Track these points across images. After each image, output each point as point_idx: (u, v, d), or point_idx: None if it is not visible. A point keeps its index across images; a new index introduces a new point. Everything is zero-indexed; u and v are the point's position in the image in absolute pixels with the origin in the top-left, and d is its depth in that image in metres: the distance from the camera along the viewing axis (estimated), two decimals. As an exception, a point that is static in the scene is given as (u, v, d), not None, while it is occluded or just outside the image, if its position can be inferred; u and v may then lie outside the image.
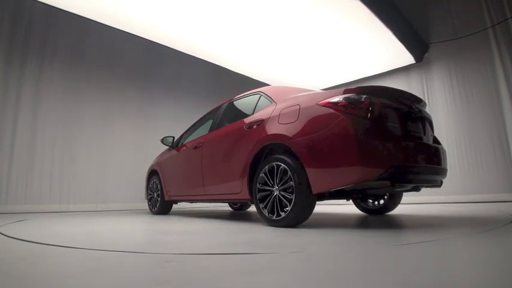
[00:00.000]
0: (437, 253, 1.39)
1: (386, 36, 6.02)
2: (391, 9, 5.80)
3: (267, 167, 2.60)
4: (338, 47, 6.67)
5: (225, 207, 6.39)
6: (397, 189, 2.76)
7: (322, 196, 2.49)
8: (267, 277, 1.01)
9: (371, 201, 3.60)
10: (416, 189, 2.67)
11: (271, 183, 2.57)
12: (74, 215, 4.67)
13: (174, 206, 5.11)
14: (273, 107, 2.84)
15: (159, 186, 4.55)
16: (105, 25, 5.85)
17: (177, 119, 7.02)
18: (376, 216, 3.33)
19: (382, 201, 3.49)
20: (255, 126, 2.88)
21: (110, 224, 3.28)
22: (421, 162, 2.38)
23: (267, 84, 7.35)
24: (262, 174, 2.63)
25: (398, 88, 2.75)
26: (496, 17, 6.03)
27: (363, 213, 3.74)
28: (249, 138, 2.88)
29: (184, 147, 4.09)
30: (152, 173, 4.85)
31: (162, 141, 4.50)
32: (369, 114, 2.23)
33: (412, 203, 6.28)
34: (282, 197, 2.46)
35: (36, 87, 5.31)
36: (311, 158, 2.32)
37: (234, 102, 3.63)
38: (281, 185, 2.47)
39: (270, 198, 2.55)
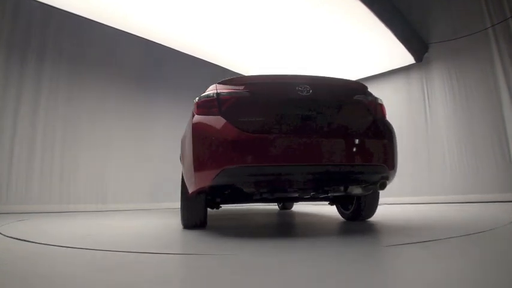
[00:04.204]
0: (436, 254, 1.39)
1: (387, 36, 6.02)
2: (391, 9, 5.80)
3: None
4: (338, 47, 6.67)
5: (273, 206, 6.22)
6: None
7: (223, 200, 2.48)
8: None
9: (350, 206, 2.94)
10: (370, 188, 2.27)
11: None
12: (73, 215, 4.67)
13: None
14: None
15: None
16: (104, 25, 5.84)
17: (177, 119, 7.02)
18: (348, 224, 2.74)
19: (351, 207, 2.88)
20: None
21: (109, 224, 3.28)
22: (284, 160, 1.94)
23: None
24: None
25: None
26: (496, 17, 6.02)
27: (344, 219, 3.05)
28: None
29: None
30: None
31: None
32: (217, 111, 2.04)
33: (411, 203, 6.28)
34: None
35: (36, 87, 5.30)
36: (181, 160, 2.32)
37: None
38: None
39: None
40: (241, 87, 2.11)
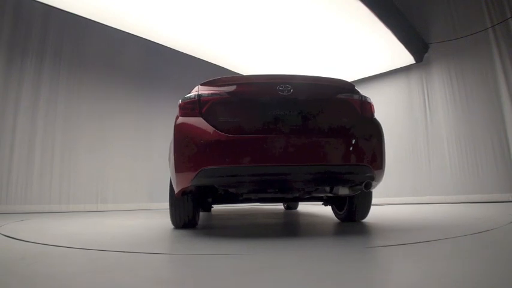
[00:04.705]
0: (436, 253, 1.39)
1: (387, 36, 6.02)
2: (391, 9, 5.80)
3: None
4: (338, 47, 6.67)
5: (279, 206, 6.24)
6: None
7: (214, 200, 2.53)
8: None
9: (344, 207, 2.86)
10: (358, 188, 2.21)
11: None
12: (73, 215, 4.67)
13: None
14: None
15: None
16: (105, 25, 5.85)
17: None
18: (339, 225, 2.65)
19: (344, 208, 2.79)
20: None
21: (109, 224, 3.28)
22: (262, 161, 1.95)
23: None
24: None
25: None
26: (496, 17, 6.02)
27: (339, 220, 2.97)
28: None
29: None
30: None
31: None
32: (198, 113, 2.06)
33: (411, 203, 6.28)
34: None
35: (36, 87, 5.30)
36: (169, 161, 2.32)
37: None
38: None
39: None
40: (223, 89, 2.13)
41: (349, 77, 8.09)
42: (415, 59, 6.99)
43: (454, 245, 1.55)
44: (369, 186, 2.13)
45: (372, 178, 2.13)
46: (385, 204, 6.19)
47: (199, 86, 2.21)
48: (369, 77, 7.90)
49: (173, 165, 2.10)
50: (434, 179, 6.50)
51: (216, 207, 5.31)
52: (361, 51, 6.78)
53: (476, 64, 6.23)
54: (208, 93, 2.10)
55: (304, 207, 5.64)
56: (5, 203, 4.76)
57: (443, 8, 6.72)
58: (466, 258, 1.28)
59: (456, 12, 6.55)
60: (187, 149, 2.03)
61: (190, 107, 2.11)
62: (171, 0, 5.15)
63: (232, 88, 2.13)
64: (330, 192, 2.30)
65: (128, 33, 6.15)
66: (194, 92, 2.17)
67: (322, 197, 2.72)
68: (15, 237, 2.07)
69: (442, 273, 1.02)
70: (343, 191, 2.25)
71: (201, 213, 4.42)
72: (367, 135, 2.19)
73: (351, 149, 2.09)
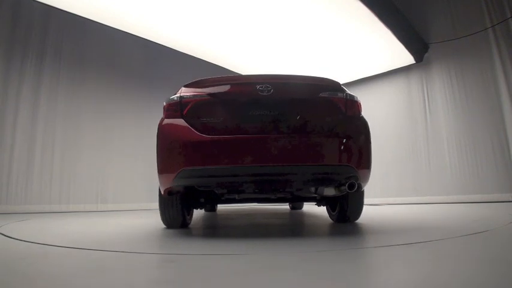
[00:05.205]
0: (434, 254, 1.39)
1: (387, 36, 6.02)
2: (391, 10, 5.80)
3: None
4: (338, 47, 6.67)
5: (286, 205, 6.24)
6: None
7: (206, 202, 2.53)
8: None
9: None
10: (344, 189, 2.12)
11: None
12: (74, 215, 4.67)
13: None
14: None
15: None
16: (104, 25, 5.86)
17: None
18: (332, 226, 2.60)
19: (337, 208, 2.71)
20: None
21: (110, 224, 3.28)
22: (240, 161, 1.94)
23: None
24: None
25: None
26: (496, 17, 6.02)
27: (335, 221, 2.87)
28: None
29: None
30: None
31: None
32: (179, 114, 2.09)
33: (411, 203, 6.28)
34: None
35: (36, 87, 5.30)
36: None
37: None
38: None
39: None
40: (204, 90, 2.14)
41: (349, 77, 8.11)
42: (415, 59, 7.00)
43: (453, 245, 1.55)
44: (352, 186, 2.03)
45: (356, 178, 2.07)
46: (385, 205, 6.20)
47: (183, 87, 2.22)
48: (369, 77, 7.90)
49: (156, 166, 2.13)
50: (434, 179, 6.51)
51: (218, 208, 5.30)
52: (361, 51, 6.78)
53: (476, 64, 6.24)
54: (189, 95, 2.12)
55: (309, 207, 5.66)
56: (5, 203, 4.76)
57: (443, 8, 6.73)
58: (464, 258, 1.28)
59: (456, 12, 6.55)
60: (169, 150, 2.08)
61: (173, 109, 2.13)
62: (171, 0, 5.16)
63: (213, 89, 2.13)
64: (315, 193, 2.30)
65: (128, 33, 6.16)
66: (177, 94, 2.18)
67: (315, 197, 2.69)
68: (15, 237, 2.07)
69: (440, 273, 1.02)
70: (329, 191, 2.22)
71: (206, 213, 4.45)
72: (351, 134, 2.13)
73: (332, 148, 2.05)
